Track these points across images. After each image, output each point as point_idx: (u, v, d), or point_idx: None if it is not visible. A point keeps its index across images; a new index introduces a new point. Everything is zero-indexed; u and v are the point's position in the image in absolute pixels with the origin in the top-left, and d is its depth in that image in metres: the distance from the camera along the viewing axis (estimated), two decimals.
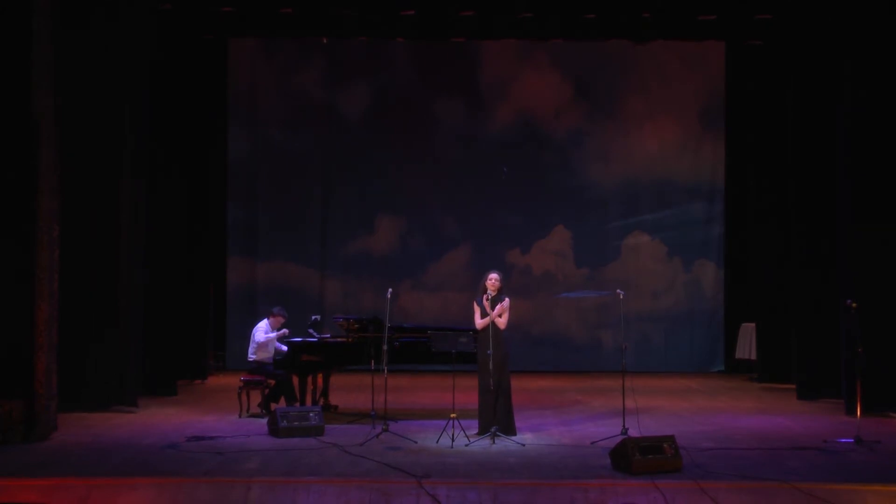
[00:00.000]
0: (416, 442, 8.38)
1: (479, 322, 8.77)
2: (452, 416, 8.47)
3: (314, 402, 10.12)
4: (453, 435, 8.33)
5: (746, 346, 14.51)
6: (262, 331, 10.19)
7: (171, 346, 12.07)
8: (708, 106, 15.58)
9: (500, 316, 8.68)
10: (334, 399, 10.72)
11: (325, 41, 15.01)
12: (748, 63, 14.52)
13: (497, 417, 8.60)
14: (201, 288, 13.92)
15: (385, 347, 8.79)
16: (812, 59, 11.55)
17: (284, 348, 10.05)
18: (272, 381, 10.08)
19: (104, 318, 10.35)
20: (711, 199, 15.58)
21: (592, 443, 8.37)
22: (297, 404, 9.72)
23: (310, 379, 10.10)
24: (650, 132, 15.63)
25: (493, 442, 8.33)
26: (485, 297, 8.71)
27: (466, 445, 8.20)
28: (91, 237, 10.25)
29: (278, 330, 10.28)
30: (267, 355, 10.22)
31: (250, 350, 10.23)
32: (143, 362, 11.31)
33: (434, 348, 8.90)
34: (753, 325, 14.23)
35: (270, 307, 10.58)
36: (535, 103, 15.63)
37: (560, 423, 9.68)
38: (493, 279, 8.78)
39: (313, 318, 10.60)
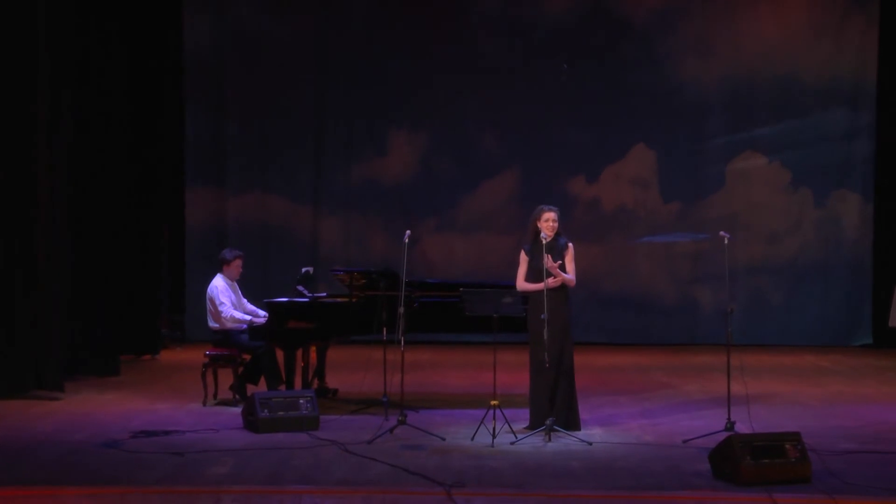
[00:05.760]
0: (443, 439, 8.40)
1: (524, 285, 8.71)
2: (493, 403, 8.46)
3: (306, 385, 10.15)
4: (494, 429, 8.33)
5: None
6: (223, 293, 10.13)
7: (109, 310, 12.16)
8: None
9: (563, 272, 8.61)
10: (332, 381, 10.76)
11: None
12: None
13: (555, 406, 8.60)
14: (151, 230, 13.98)
15: (401, 310, 8.78)
16: None
17: (259, 320, 10.06)
18: (247, 356, 10.12)
19: (16, 276, 10.39)
20: (856, 106, 15.36)
21: (685, 441, 8.36)
22: (283, 387, 9.76)
23: (300, 353, 10.12)
24: (768, 12, 15.39)
25: (549, 439, 8.33)
26: (542, 246, 8.63)
27: (512, 443, 8.21)
28: None
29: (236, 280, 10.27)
30: (237, 324, 10.22)
31: (209, 314, 10.24)
32: (72, 332, 11.37)
33: (468, 311, 8.86)
34: None
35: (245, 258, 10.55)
36: None
37: (640, 415, 9.68)
38: (549, 218, 8.69)
39: (304, 270, 10.61)
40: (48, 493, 6.87)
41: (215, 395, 10.12)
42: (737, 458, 7.06)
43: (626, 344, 15.12)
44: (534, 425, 8.62)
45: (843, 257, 15.50)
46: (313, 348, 10.47)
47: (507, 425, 8.44)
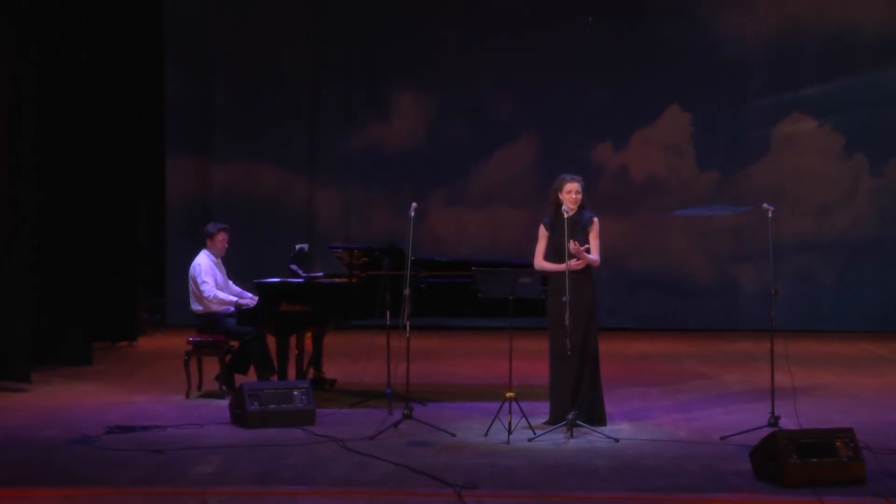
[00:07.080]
0: (453, 435, 8.43)
1: (543, 264, 8.71)
2: (509, 395, 8.48)
3: (300, 375, 10.19)
4: (510, 424, 8.35)
5: None
6: (206, 271, 10.14)
7: (81, 292, 12.17)
8: None
9: (587, 251, 8.60)
10: (330, 370, 10.80)
11: None
12: None
13: (577, 399, 8.61)
14: (128, 203, 13.97)
15: (407, 292, 8.78)
16: None
17: (247, 301, 10.08)
18: (235, 343, 10.15)
19: None
20: None
21: (723, 438, 8.37)
22: (275, 378, 9.79)
23: (293, 340, 10.16)
24: None
25: (572, 435, 8.35)
26: (564, 215, 8.62)
27: (530, 440, 8.23)
28: None
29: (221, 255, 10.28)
30: (223, 306, 10.24)
31: (192, 296, 10.25)
32: (40, 316, 11.39)
33: (481, 293, 8.88)
34: None
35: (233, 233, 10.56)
36: None
37: (673, 408, 9.70)
38: (571, 189, 8.68)
39: (298, 247, 10.62)
40: (15, 495, 6.89)
41: (199, 387, 10.14)
42: (782, 456, 7.05)
43: (656, 329, 15.13)
44: (554, 420, 8.64)
45: None
46: (308, 334, 10.50)
47: (524, 420, 8.47)
